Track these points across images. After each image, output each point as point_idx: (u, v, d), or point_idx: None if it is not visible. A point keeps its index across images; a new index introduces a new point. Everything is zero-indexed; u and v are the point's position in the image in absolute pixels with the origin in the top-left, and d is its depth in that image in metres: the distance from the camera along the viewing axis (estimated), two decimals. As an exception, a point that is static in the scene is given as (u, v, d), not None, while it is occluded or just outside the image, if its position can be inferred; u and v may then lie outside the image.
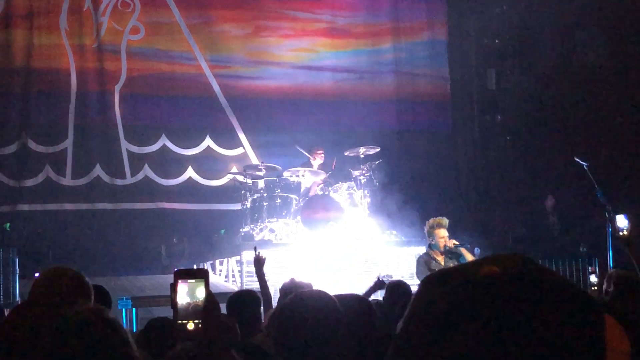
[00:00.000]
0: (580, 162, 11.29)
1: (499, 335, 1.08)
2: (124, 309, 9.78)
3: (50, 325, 2.40)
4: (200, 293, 2.37)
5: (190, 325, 2.34)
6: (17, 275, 10.69)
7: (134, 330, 9.11)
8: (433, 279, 1.18)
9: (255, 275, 6.93)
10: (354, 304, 3.63)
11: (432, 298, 1.15)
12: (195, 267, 13.37)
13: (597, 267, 12.46)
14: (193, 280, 2.38)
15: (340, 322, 2.89)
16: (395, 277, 10.19)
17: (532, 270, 1.15)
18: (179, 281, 2.38)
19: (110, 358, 2.21)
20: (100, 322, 2.32)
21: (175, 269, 2.49)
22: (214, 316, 2.36)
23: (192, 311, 2.35)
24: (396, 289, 6.56)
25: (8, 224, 12.14)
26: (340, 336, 2.87)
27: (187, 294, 2.37)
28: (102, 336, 2.24)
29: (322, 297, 2.98)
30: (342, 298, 3.55)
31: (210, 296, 2.36)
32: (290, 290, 5.33)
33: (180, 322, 2.35)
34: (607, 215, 11.14)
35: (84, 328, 2.27)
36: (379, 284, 7.24)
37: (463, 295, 1.12)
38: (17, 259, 10.87)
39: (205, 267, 4.51)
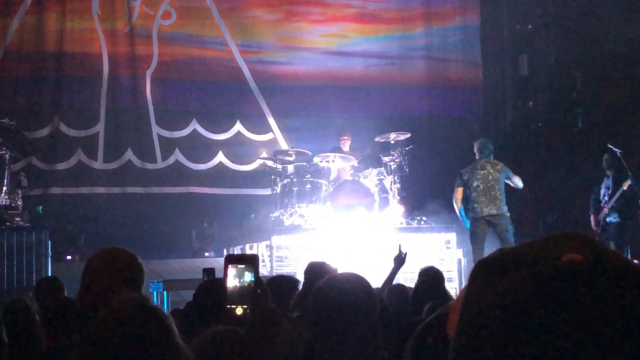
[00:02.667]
0: (614, 149, 11.20)
1: (591, 336, 0.93)
2: (155, 292, 9.85)
3: (95, 316, 2.41)
4: (249, 278, 2.37)
5: (239, 310, 2.35)
6: (50, 257, 10.78)
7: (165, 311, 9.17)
8: (493, 265, 1.02)
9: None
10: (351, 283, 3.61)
11: (497, 290, 0.98)
12: (232, 251, 13.45)
13: (629, 254, 12.37)
14: (242, 266, 2.38)
15: (374, 304, 2.88)
16: (426, 264, 10.17)
17: (610, 257, 0.99)
18: (229, 266, 2.38)
19: (155, 349, 2.22)
20: (143, 312, 2.32)
21: (226, 254, 2.50)
22: (263, 302, 2.35)
23: (242, 296, 2.35)
24: (428, 273, 6.52)
25: (41, 207, 12.25)
26: (374, 319, 2.86)
27: (236, 278, 2.38)
28: (145, 328, 2.25)
29: (356, 279, 2.97)
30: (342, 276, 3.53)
31: (259, 282, 2.36)
32: (316, 271, 5.32)
33: (229, 306, 2.36)
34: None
35: (126, 320, 2.28)
36: (397, 259, 7.21)
37: (541, 287, 0.96)
38: (49, 242, 10.96)
39: (254, 252, 4.50)
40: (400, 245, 7.44)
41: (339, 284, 2.89)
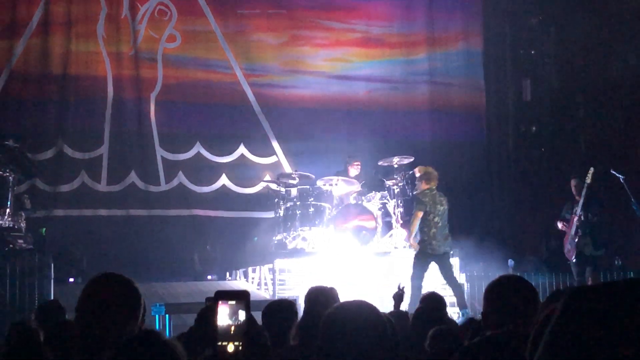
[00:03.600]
0: (617, 174, 11.20)
1: None
2: (157, 315, 9.83)
3: (103, 346, 2.40)
4: (241, 315, 2.36)
5: (231, 347, 2.35)
6: (52, 280, 10.78)
7: (167, 335, 9.16)
8: (586, 298, 1.07)
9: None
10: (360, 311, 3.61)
11: (594, 324, 1.04)
12: (235, 274, 13.44)
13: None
14: (234, 302, 2.38)
15: (387, 335, 2.85)
16: (429, 288, 10.16)
17: None
18: (220, 302, 2.37)
19: None
20: (157, 347, 2.33)
21: (217, 290, 2.48)
22: (255, 340, 2.36)
23: (234, 333, 2.35)
24: (429, 300, 6.51)
25: (44, 229, 12.25)
26: (387, 349, 2.84)
27: (228, 315, 2.37)
28: None
29: (368, 308, 2.95)
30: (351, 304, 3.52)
31: (252, 320, 2.36)
32: (317, 297, 5.30)
33: (220, 343, 2.35)
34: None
35: (140, 355, 2.29)
36: (397, 296, 7.24)
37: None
38: (52, 264, 10.96)
39: (243, 288, 4.49)
40: (400, 284, 7.42)
41: (351, 313, 2.86)
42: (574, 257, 11.45)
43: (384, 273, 11.83)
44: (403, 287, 7.36)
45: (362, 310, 2.88)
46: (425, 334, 5.02)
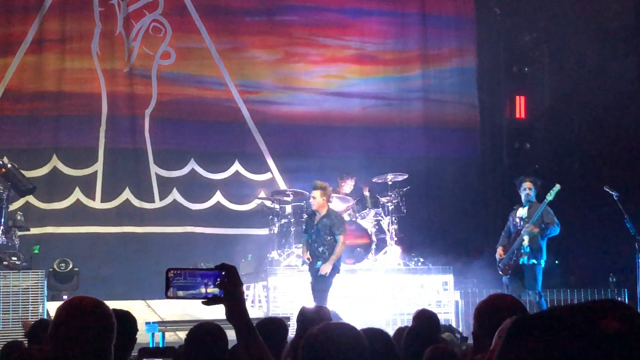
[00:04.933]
0: (610, 191, 11.20)
1: None
2: (151, 333, 9.81)
3: None
4: None
5: None
6: (45, 298, 10.75)
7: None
8: (530, 327, 1.04)
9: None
10: (372, 338, 3.62)
11: (535, 353, 1.00)
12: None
13: (626, 298, 12.33)
14: None
15: (364, 355, 2.86)
16: (422, 305, 10.15)
17: None
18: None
19: None
20: None
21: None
22: None
23: None
24: (422, 317, 6.50)
25: (37, 247, 12.23)
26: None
27: None
28: None
29: (348, 330, 2.96)
30: (365, 331, 3.54)
31: None
32: (308, 317, 5.30)
33: None
34: (637, 246, 11.04)
35: None
36: None
37: (580, 352, 0.97)
38: (45, 281, 10.94)
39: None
40: None
41: (332, 335, 2.87)
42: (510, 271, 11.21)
43: (377, 290, 11.81)
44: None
45: (344, 332, 2.89)
46: (419, 352, 5.01)
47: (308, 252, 10.84)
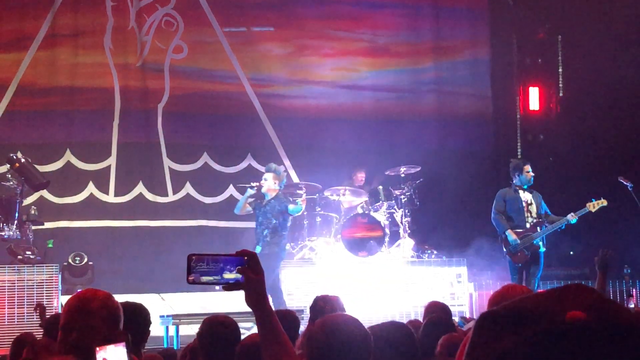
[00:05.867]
0: (625, 183, 11.15)
1: None
2: (165, 327, 9.84)
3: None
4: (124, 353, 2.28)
5: None
6: (60, 292, 10.80)
7: (176, 347, 9.16)
8: (498, 320, 1.01)
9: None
10: (395, 332, 3.62)
11: (503, 346, 0.97)
12: None
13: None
14: (112, 345, 2.31)
15: (369, 348, 2.86)
16: (435, 298, 10.14)
17: (615, 313, 0.98)
18: (97, 348, 2.30)
19: None
20: None
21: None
22: None
23: None
24: (434, 309, 6.49)
25: (51, 241, 12.27)
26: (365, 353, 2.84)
27: (113, 355, 2.29)
28: None
29: (353, 323, 2.95)
30: (383, 326, 3.54)
31: None
32: (322, 307, 5.30)
33: None
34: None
35: None
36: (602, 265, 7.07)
37: (547, 345, 0.95)
38: (59, 275, 10.98)
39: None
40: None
41: (337, 328, 2.86)
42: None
43: (391, 282, 11.81)
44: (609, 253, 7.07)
45: (348, 325, 2.89)
46: (434, 344, 4.99)
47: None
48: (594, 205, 10.98)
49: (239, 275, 2.47)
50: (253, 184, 10.99)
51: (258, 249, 10.60)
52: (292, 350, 2.54)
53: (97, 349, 2.26)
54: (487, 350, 0.99)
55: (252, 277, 2.48)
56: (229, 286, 2.48)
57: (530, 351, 0.96)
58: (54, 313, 8.74)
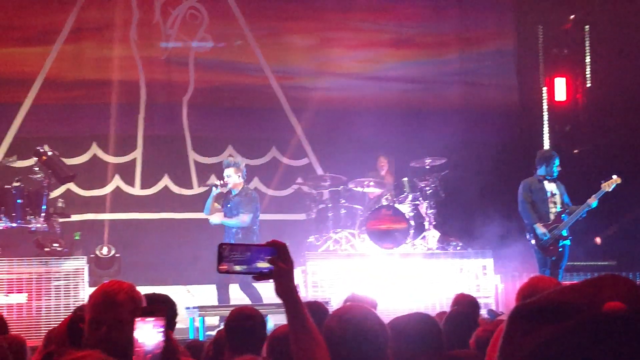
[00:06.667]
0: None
1: None
2: (191, 318, 9.88)
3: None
4: (159, 334, 2.28)
5: None
6: (87, 284, 10.87)
7: (201, 339, 9.20)
8: (534, 312, 1.00)
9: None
10: (419, 323, 3.61)
11: (539, 338, 0.96)
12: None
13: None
14: (152, 319, 2.31)
15: (385, 339, 2.85)
16: (461, 290, 10.11)
17: None
18: (137, 320, 2.30)
19: None
20: None
21: (134, 308, 2.40)
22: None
23: (150, 353, 2.27)
24: (462, 301, 6.47)
25: (78, 233, 12.35)
26: (383, 354, 2.83)
27: (147, 334, 2.29)
28: None
29: (365, 314, 2.94)
30: (408, 317, 3.52)
31: (169, 338, 2.29)
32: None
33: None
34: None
35: None
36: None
37: (584, 336, 0.94)
38: (86, 268, 11.06)
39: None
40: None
41: (351, 319, 2.86)
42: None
43: (416, 275, 11.78)
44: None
45: (363, 316, 2.88)
46: (460, 337, 4.98)
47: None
48: (608, 185, 10.94)
49: (269, 265, 2.47)
50: (217, 183, 10.99)
51: None
52: (322, 342, 2.54)
53: (137, 320, 2.27)
54: (523, 342, 0.98)
55: (283, 268, 2.49)
56: (259, 276, 2.48)
57: (567, 342, 0.94)
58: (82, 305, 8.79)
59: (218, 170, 14.82)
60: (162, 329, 2.28)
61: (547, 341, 0.95)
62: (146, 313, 2.31)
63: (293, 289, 2.52)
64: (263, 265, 2.47)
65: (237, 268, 2.45)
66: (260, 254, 2.49)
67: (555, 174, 11.31)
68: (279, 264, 2.49)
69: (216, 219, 10.90)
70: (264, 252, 2.49)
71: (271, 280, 2.53)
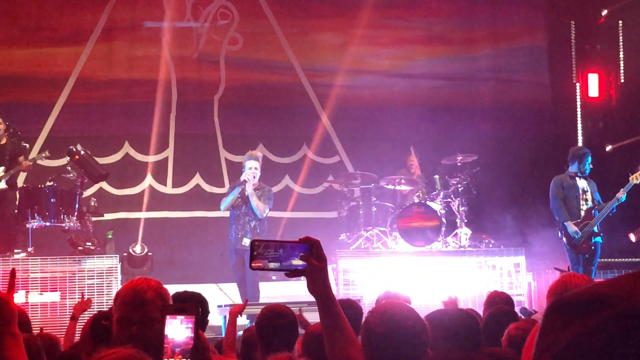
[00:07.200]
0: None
1: None
2: (223, 316, 9.92)
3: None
4: (188, 330, 2.27)
5: None
6: (120, 282, 10.95)
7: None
8: (571, 305, 1.00)
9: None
10: (459, 319, 3.59)
11: (576, 331, 0.96)
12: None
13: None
14: (182, 316, 2.30)
15: (426, 337, 2.83)
16: (493, 288, 10.06)
17: None
18: (168, 316, 2.30)
19: None
20: None
21: (163, 305, 2.40)
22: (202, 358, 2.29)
23: (180, 349, 2.26)
24: (496, 299, 6.43)
25: (111, 232, 12.45)
26: (422, 352, 2.81)
27: (175, 329, 2.29)
28: None
29: (408, 312, 2.93)
30: (448, 311, 3.51)
31: (198, 336, 2.28)
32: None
33: None
34: None
35: None
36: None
37: (621, 329, 0.94)
38: (119, 266, 11.14)
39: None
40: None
41: (390, 317, 2.84)
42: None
43: (448, 272, 11.73)
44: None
45: (406, 317, 2.86)
46: (496, 334, 4.95)
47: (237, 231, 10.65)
48: (636, 177, 10.88)
49: (302, 262, 2.46)
50: (245, 179, 10.82)
51: (246, 242, 10.52)
52: (356, 340, 2.52)
53: (168, 317, 2.28)
54: (559, 335, 0.98)
55: (316, 265, 2.47)
56: (292, 273, 2.47)
57: (602, 335, 0.94)
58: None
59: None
60: (192, 326, 2.28)
61: (582, 334, 0.96)
62: (177, 310, 2.31)
63: (327, 287, 2.50)
64: (296, 262, 2.46)
65: (271, 265, 2.44)
66: (294, 250, 2.47)
67: (587, 172, 11.23)
68: (313, 261, 2.47)
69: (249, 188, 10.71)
70: (298, 249, 2.48)
71: (303, 278, 2.52)
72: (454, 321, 3.60)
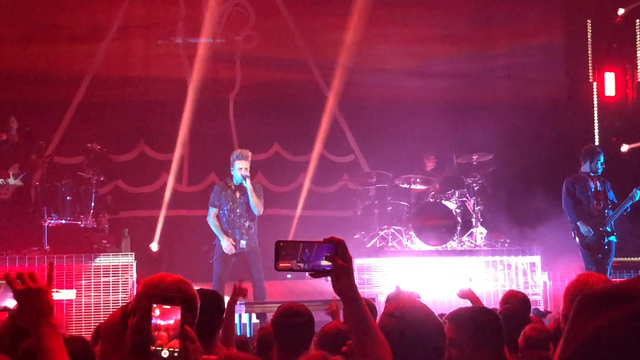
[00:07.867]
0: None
1: None
2: (238, 314, 9.92)
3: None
4: (175, 318, 2.28)
5: (165, 353, 2.28)
6: (135, 280, 10.97)
7: (248, 335, 9.24)
8: (599, 298, 1.04)
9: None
10: (483, 316, 3.58)
11: (602, 321, 1.00)
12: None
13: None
14: (168, 307, 2.31)
15: (443, 336, 2.82)
16: (509, 287, 10.04)
17: None
18: (154, 305, 2.30)
19: None
20: None
21: (150, 294, 2.41)
22: (191, 346, 2.30)
23: (167, 337, 2.27)
24: (513, 298, 6.40)
25: (127, 230, 12.48)
26: (440, 352, 2.80)
27: (161, 317, 2.29)
28: None
29: (425, 311, 2.91)
30: (473, 309, 3.49)
31: (184, 326, 2.29)
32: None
33: (154, 348, 2.29)
34: None
35: None
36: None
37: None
38: (134, 264, 11.17)
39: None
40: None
41: (410, 318, 2.83)
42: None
43: (463, 271, 11.70)
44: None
45: (425, 321, 2.84)
46: (513, 333, 4.93)
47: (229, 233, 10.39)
48: None
49: (327, 262, 2.44)
50: (245, 175, 10.58)
51: (243, 244, 10.40)
52: (384, 341, 2.50)
53: (154, 305, 2.30)
54: (586, 325, 1.02)
55: (341, 265, 2.45)
56: (317, 273, 2.45)
57: (622, 328, 0.98)
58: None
59: (265, 166, 14.90)
60: (178, 317, 2.29)
61: (603, 326, 0.99)
62: (164, 300, 2.32)
63: (353, 287, 2.48)
64: (322, 262, 2.45)
65: (297, 266, 2.42)
66: (319, 251, 2.45)
67: (599, 171, 11.15)
68: (338, 261, 2.46)
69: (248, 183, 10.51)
70: (323, 249, 2.46)
71: (329, 278, 2.50)
72: (479, 319, 3.59)
